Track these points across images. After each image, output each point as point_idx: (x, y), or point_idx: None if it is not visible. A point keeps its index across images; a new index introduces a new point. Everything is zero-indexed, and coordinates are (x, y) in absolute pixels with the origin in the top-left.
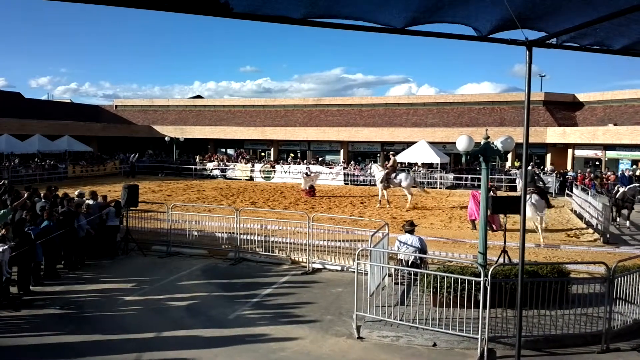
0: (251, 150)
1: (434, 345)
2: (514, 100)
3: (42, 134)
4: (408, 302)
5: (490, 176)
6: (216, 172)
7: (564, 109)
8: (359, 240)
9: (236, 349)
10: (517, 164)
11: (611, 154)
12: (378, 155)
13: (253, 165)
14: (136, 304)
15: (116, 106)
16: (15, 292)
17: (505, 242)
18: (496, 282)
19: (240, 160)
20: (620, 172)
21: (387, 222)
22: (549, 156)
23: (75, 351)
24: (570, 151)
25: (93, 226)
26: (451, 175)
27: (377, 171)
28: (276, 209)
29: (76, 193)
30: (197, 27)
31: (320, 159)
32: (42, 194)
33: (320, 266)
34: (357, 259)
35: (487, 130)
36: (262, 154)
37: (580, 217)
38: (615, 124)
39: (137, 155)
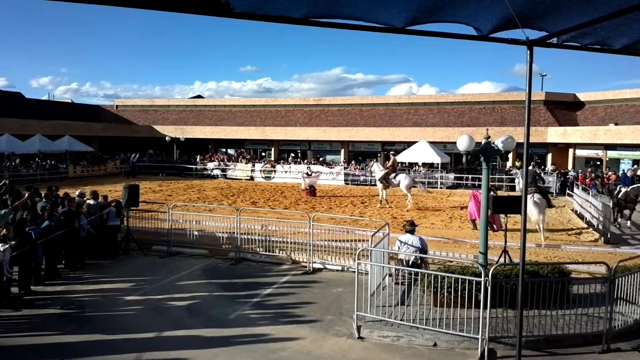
0: (252, 150)
1: (435, 345)
2: (514, 100)
3: (43, 134)
4: (408, 302)
5: (490, 176)
6: (217, 172)
7: (565, 109)
8: (359, 240)
9: (236, 348)
10: (517, 163)
11: (612, 154)
12: (378, 155)
13: (253, 165)
14: (137, 304)
15: (117, 106)
16: (16, 292)
17: (506, 242)
18: (497, 282)
19: (240, 160)
20: (621, 172)
21: (388, 222)
22: (549, 156)
23: (76, 351)
24: (571, 151)
25: (94, 226)
26: (452, 175)
27: (377, 170)
28: (277, 208)
29: (77, 193)
30: (198, 27)
31: (321, 158)
32: (42, 194)
33: (320, 266)
34: (358, 259)
35: (487, 130)
36: (263, 153)
37: (581, 217)
38: (616, 124)
39: (137, 155)
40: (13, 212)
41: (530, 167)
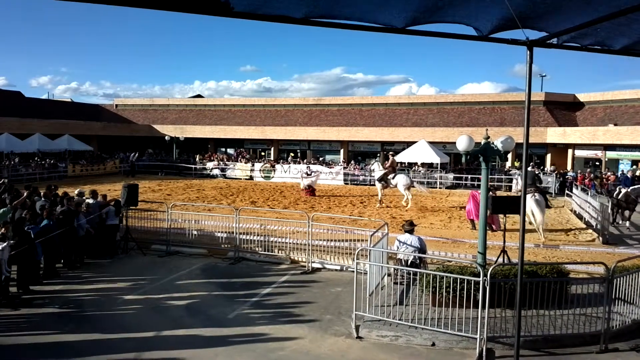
0: (251, 150)
1: (433, 344)
2: (514, 100)
3: (43, 133)
4: (407, 301)
5: (490, 176)
6: (216, 172)
7: (565, 109)
8: (358, 240)
9: (235, 348)
10: (517, 164)
11: (611, 154)
12: (378, 155)
13: (253, 165)
14: (136, 303)
15: (116, 105)
16: (14, 291)
17: (504, 242)
18: (495, 282)
19: (240, 160)
20: (620, 172)
21: (387, 221)
22: (549, 156)
23: (75, 350)
24: (570, 151)
25: (93, 225)
26: (451, 175)
27: (377, 170)
28: (276, 208)
29: (76, 192)
30: (198, 27)
31: (320, 158)
32: (42, 193)
33: (319, 266)
34: (357, 259)
35: (487, 130)
36: (262, 153)
37: (580, 217)
38: (615, 124)
39: (137, 154)
40: (12, 211)
41: (530, 168)
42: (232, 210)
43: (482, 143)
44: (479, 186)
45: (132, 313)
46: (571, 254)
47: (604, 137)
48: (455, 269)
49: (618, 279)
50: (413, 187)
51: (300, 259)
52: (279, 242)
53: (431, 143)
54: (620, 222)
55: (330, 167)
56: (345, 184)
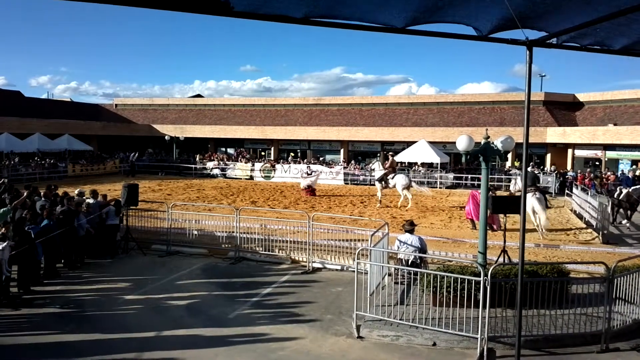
0: (251, 150)
1: (434, 344)
2: (514, 100)
3: (42, 133)
4: (408, 301)
5: (490, 176)
6: (216, 172)
7: (564, 109)
8: (359, 240)
9: (236, 348)
10: (517, 163)
11: (611, 154)
12: (378, 155)
13: (253, 165)
14: (136, 303)
15: (116, 105)
16: (15, 291)
17: (505, 241)
18: (496, 281)
19: (240, 160)
20: (620, 172)
21: (387, 221)
22: (549, 156)
23: (76, 350)
24: (570, 151)
25: (93, 225)
26: (451, 175)
27: (377, 170)
28: (276, 208)
29: (76, 192)
30: (198, 26)
31: (321, 158)
32: (42, 193)
33: (320, 265)
34: (357, 259)
35: (487, 130)
36: (262, 153)
37: (580, 217)
38: (615, 124)
39: (137, 154)
40: (12, 211)
41: (530, 169)
42: (233, 210)
43: (482, 143)
44: (479, 186)
45: (133, 313)
46: (571, 254)
47: (604, 137)
48: (455, 269)
49: (618, 279)
50: (412, 187)
51: (300, 259)
52: (280, 242)
53: (431, 143)
54: (623, 222)
55: (331, 167)
56: (346, 183)
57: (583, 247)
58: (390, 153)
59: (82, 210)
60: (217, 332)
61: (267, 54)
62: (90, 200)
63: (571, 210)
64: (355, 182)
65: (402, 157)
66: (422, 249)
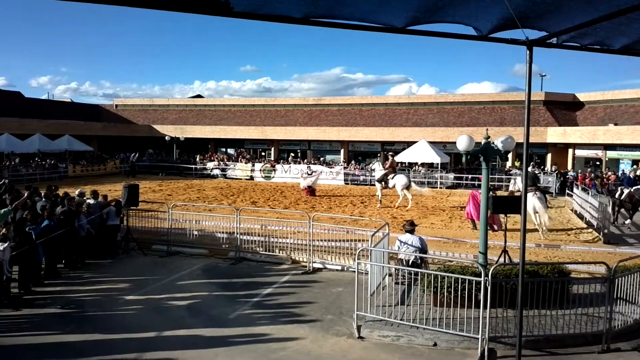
0: (251, 150)
1: (435, 345)
2: (514, 100)
3: (43, 134)
4: (408, 301)
5: (490, 176)
6: (216, 172)
7: (565, 109)
8: (359, 240)
9: (237, 348)
10: (517, 163)
11: (611, 154)
12: (378, 155)
13: (253, 165)
14: (137, 304)
15: (116, 105)
16: (15, 292)
17: (505, 242)
18: (497, 282)
19: (240, 160)
20: (621, 172)
21: (388, 221)
22: (549, 156)
23: (76, 350)
24: (570, 151)
25: (93, 225)
26: (451, 175)
27: (377, 170)
28: (276, 208)
29: (77, 192)
30: (198, 27)
31: (321, 158)
32: (42, 194)
33: (320, 266)
34: (358, 259)
35: (487, 130)
36: (263, 153)
37: (580, 217)
38: (615, 124)
39: (137, 154)
40: (13, 212)
41: (530, 169)
42: (233, 210)
43: (483, 143)
44: (479, 186)
45: (133, 313)
46: (572, 254)
47: (604, 137)
48: (456, 269)
49: (620, 279)
50: (411, 187)
51: (301, 259)
52: (280, 242)
53: (431, 143)
54: (626, 222)
55: (331, 167)
56: (346, 184)
57: (584, 247)
58: (390, 153)
59: (82, 210)
60: (217, 333)
61: (267, 54)
62: (91, 201)
63: (572, 210)
64: (356, 183)
65: (403, 157)
66: (423, 249)
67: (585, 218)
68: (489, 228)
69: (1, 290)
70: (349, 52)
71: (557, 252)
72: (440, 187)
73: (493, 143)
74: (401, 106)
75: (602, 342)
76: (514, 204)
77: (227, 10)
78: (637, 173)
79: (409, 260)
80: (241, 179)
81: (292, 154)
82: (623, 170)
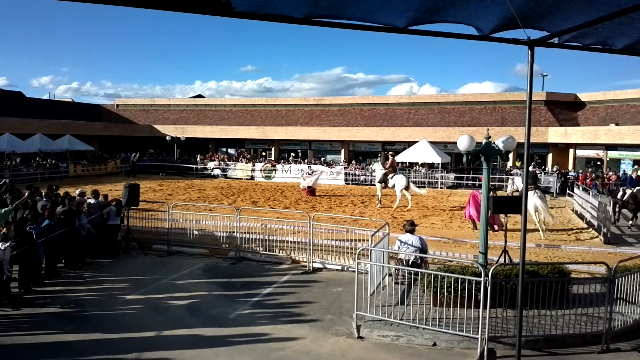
0: (252, 150)
1: (434, 344)
2: (515, 100)
3: (44, 133)
4: (408, 301)
5: (491, 176)
6: (217, 172)
7: (566, 109)
8: (359, 240)
9: (237, 348)
10: (518, 163)
11: (613, 154)
12: (379, 155)
13: (254, 165)
14: (137, 303)
15: (117, 105)
16: (16, 291)
17: (505, 242)
18: (497, 282)
19: (241, 160)
20: (622, 173)
21: (388, 221)
22: (550, 156)
23: (76, 350)
24: (571, 151)
25: (94, 225)
26: (452, 175)
27: (378, 170)
28: (277, 208)
29: (77, 192)
30: (199, 27)
31: (322, 158)
32: (43, 193)
33: (320, 265)
34: (358, 259)
35: (488, 129)
36: (263, 153)
37: (581, 217)
38: (617, 124)
39: (138, 154)
40: (14, 211)
41: (530, 168)
42: (233, 210)
43: (483, 143)
44: (480, 186)
45: (133, 313)
46: (572, 254)
47: (606, 137)
48: (456, 269)
49: (620, 279)
50: (409, 187)
51: (301, 259)
52: (280, 242)
53: (432, 143)
54: (630, 222)
55: (331, 167)
56: (346, 183)
57: (584, 247)
58: (390, 153)
59: (83, 210)
60: (217, 332)
61: (268, 54)
62: (92, 201)
63: (572, 210)
64: (356, 182)
65: (403, 157)
66: (423, 249)
67: (586, 218)
68: (489, 228)
69: (1, 290)
70: (349, 52)
71: (557, 252)
72: (441, 187)
73: (494, 143)
74: (402, 106)
75: (601, 342)
76: (515, 204)
77: (228, 10)
78: (639, 173)
79: (409, 260)
80: (242, 178)
81: (293, 154)
82: (624, 171)
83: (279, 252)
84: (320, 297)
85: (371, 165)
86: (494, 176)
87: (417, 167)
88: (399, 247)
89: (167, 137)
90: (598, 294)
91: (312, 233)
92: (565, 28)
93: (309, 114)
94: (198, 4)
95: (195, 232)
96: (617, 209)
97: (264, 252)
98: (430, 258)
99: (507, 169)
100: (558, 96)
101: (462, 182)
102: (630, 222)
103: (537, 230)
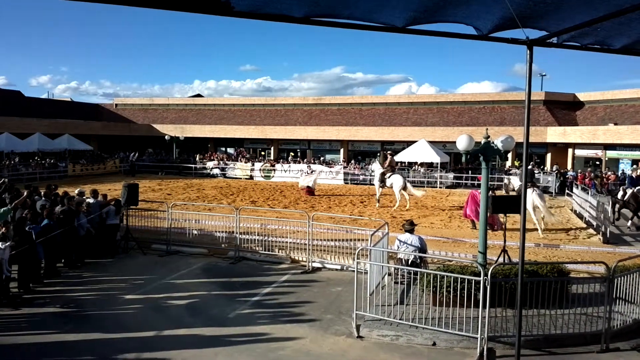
0: (251, 149)
1: (434, 344)
2: (514, 100)
3: (43, 133)
4: (408, 301)
5: (490, 175)
6: (216, 171)
7: (565, 109)
8: (358, 240)
9: (236, 347)
10: (517, 163)
11: (611, 154)
12: (378, 154)
13: (253, 164)
14: (136, 303)
15: (116, 105)
16: (15, 291)
17: (505, 241)
18: (496, 281)
19: (240, 159)
20: (621, 172)
21: (387, 221)
22: (549, 156)
23: (75, 350)
24: (570, 151)
25: (93, 225)
26: (451, 175)
27: (377, 170)
28: (276, 208)
29: (76, 192)
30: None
31: (321, 158)
32: (42, 193)
33: (320, 265)
34: (357, 258)
35: (487, 129)
36: (262, 153)
37: (580, 216)
38: (615, 124)
39: (137, 154)
40: (13, 211)
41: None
42: (233, 209)
43: (482, 142)
44: (479, 186)
45: (133, 313)
46: (572, 254)
47: (604, 137)
48: (455, 269)
49: (619, 279)
50: (407, 188)
51: (300, 259)
52: (279, 242)
53: (431, 142)
54: (628, 223)
55: (330, 167)
56: (345, 183)
57: (583, 246)
58: (389, 152)
59: (82, 209)
60: (217, 332)
61: (267, 54)
62: (91, 200)
63: (571, 210)
64: (355, 182)
65: (402, 156)
66: (422, 248)
67: (585, 218)
68: (488, 228)
69: (1, 290)
70: (349, 51)
71: (557, 251)
72: (440, 187)
73: (493, 143)
74: (401, 106)
75: (601, 341)
76: (514, 204)
77: (227, 9)
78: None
79: (408, 260)
80: (241, 178)
81: (292, 154)
82: (623, 170)
83: (279, 252)
84: (319, 296)
85: (370, 166)
86: (493, 176)
87: (416, 166)
88: (398, 247)
89: (166, 137)
90: (597, 293)
91: (311, 233)
92: (564, 28)
93: (308, 113)
94: (197, 3)
95: (195, 232)
96: (617, 209)
97: (263, 251)
98: (429, 258)
99: (506, 169)
100: (557, 96)
101: (461, 181)
102: (630, 221)
103: (536, 229)
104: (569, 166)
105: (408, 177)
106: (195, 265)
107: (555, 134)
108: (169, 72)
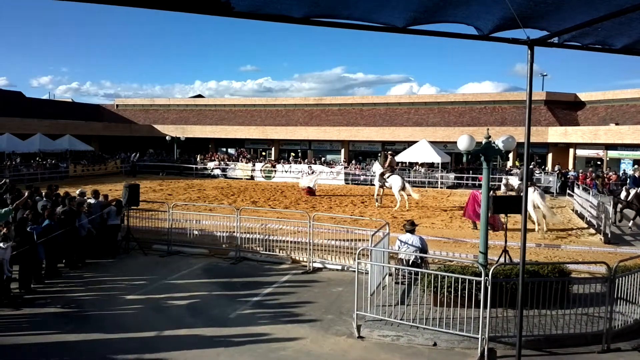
0: (252, 150)
1: (435, 344)
2: (515, 100)
3: (44, 133)
4: (408, 301)
5: (491, 175)
6: (217, 172)
7: (566, 109)
8: (359, 240)
9: (237, 348)
10: (518, 163)
11: (613, 154)
12: (379, 155)
13: (254, 165)
14: (137, 303)
15: (117, 105)
16: (16, 291)
17: (506, 241)
18: (497, 281)
19: (241, 160)
20: (622, 172)
21: (388, 221)
22: (550, 156)
23: (76, 350)
24: (571, 151)
25: (94, 225)
26: (452, 175)
27: (377, 171)
28: (277, 208)
29: (78, 192)
30: (197, 26)
31: (322, 158)
32: (43, 193)
33: (320, 265)
34: (358, 259)
35: (488, 129)
36: (263, 153)
37: (581, 216)
38: (617, 124)
39: (138, 154)
40: (14, 211)
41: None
42: (233, 210)
43: (483, 143)
44: (480, 186)
45: (134, 313)
46: (573, 254)
47: (606, 137)
48: (456, 269)
49: (620, 279)
50: (406, 188)
51: (301, 259)
52: (280, 242)
53: (432, 143)
54: (631, 223)
55: (331, 167)
56: (346, 183)
57: (584, 247)
58: (389, 152)
59: (83, 210)
60: (218, 332)
61: (268, 54)
62: (92, 201)
63: (573, 210)
64: (356, 182)
65: (403, 157)
66: (423, 248)
67: (586, 218)
68: (489, 228)
69: (2, 290)
70: (349, 51)
71: (558, 252)
72: (441, 187)
73: (494, 143)
74: (402, 106)
75: (602, 342)
76: (515, 204)
77: (227, 10)
78: None
79: (409, 260)
80: (241, 178)
81: (293, 154)
82: (624, 170)
83: (279, 252)
84: (320, 297)
85: (371, 167)
86: (494, 176)
87: (417, 167)
88: (399, 247)
89: (167, 137)
90: (598, 293)
91: (312, 233)
92: (564, 28)
93: (308, 113)
94: (197, 4)
95: (196, 232)
96: (619, 209)
97: (264, 252)
98: (430, 258)
99: (507, 169)
100: (558, 96)
101: (462, 182)
102: (632, 221)
103: (538, 230)
104: (570, 166)
105: (409, 177)
106: (196, 265)
107: (556, 134)
108: (169, 72)
